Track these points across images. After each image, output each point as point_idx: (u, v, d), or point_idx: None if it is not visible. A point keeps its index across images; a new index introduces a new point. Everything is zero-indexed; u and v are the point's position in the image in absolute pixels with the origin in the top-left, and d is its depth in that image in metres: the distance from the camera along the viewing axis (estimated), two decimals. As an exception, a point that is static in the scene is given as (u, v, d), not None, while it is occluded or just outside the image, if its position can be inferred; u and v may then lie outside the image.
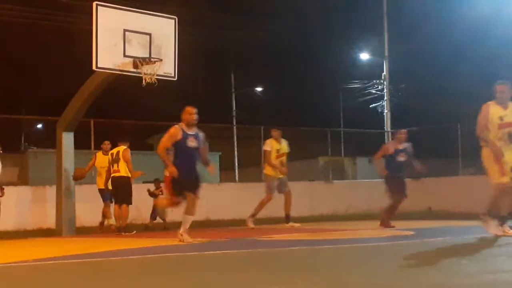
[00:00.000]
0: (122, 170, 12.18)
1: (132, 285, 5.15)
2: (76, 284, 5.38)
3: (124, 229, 12.02)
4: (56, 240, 11.37)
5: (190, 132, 9.19)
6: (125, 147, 12.33)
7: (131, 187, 12.28)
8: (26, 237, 12.00)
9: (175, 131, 9.15)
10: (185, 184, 9.08)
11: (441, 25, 29.16)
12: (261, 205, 12.97)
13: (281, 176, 13.09)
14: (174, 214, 12.83)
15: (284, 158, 13.19)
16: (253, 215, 12.96)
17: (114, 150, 12.37)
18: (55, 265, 6.97)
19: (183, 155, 9.14)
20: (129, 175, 12.24)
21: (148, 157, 29.90)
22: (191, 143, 9.16)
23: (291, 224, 12.93)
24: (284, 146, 13.20)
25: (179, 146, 9.14)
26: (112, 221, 12.88)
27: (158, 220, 13.55)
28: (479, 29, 25.90)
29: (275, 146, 13.09)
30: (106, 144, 13.25)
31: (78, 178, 12.86)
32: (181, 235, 9.13)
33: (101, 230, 13.03)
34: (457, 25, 26.91)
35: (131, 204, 12.25)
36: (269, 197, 12.98)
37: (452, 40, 29.38)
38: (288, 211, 13.19)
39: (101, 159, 13.04)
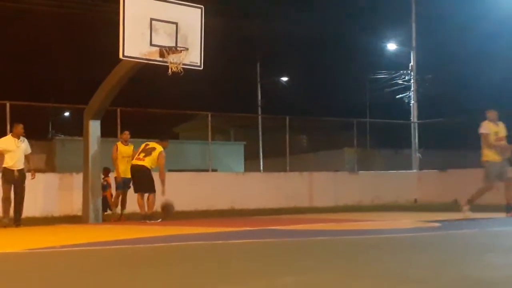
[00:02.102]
0: (147, 162, 12.20)
1: (158, 272, 5.18)
2: (102, 270, 5.44)
3: (149, 217, 12.11)
4: (83, 227, 11.51)
5: None
6: (161, 149, 12.30)
7: (152, 176, 12.27)
8: (53, 224, 12.17)
9: None
10: None
11: (470, 15, 28.73)
12: (480, 192, 11.76)
13: (501, 160, 11.65)
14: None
15: (504, 142, 11.76)
16: (470, 201, 11.66)
17: (150, 144, 12.38)
18: (82, 251, 7.06)
19: None
20: (152, 167, 12.26)
21: (174, 145, 30.10)
22: None
23: None
24: (502, 128, 11.86)
25: None
26: (117, 210, 13.10)
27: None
28: (510, 18, 25.46)
29: (493, 129, 11.76)
30: (126, 134, 13.17)
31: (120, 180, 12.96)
32: None
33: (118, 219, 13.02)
34: (486, 14, 26.49)
35: (154, 192, 12.26)
36: (490, 185, 11.69)
37: (482, 30, 28.93)
38: (510, 199, 11.75)
39: (122, 149, 13.02)
